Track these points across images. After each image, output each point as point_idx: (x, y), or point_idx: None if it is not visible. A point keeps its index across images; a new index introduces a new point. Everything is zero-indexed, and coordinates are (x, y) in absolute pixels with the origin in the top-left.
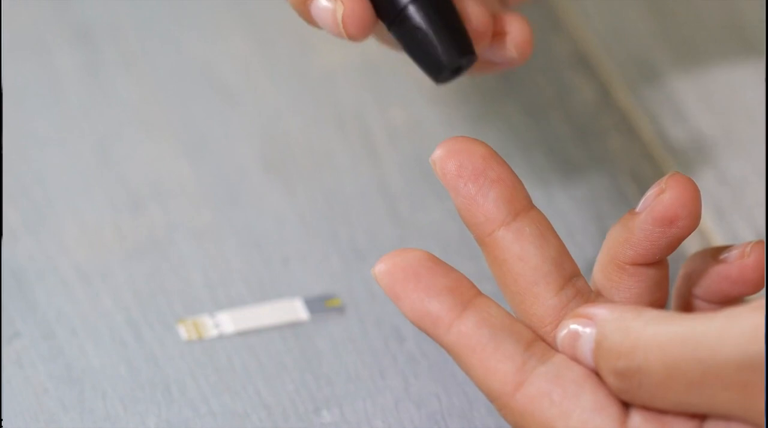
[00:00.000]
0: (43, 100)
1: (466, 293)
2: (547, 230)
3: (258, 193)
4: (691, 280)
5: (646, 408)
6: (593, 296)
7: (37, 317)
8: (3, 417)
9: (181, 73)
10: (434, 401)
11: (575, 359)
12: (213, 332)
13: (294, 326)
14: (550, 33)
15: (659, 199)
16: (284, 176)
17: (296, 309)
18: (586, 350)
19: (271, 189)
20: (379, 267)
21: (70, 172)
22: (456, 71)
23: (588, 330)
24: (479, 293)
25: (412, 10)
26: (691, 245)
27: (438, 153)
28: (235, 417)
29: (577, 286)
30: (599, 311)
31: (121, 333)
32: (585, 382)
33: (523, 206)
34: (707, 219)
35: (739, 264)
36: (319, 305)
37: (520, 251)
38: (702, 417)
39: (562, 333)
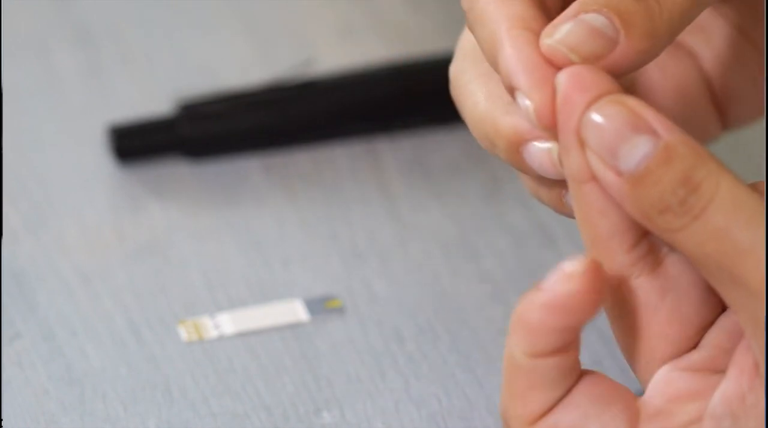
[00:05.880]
0: (43, 100)
1: None
2: None
3: (258, 193)
4: None
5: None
6: (665, 252)
7: (38, 318)
8: (3, 418)
9: (181, 73)
10: (434, 402)
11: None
12: (213, 333)
13: (294, 327)
14: None
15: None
16: (284, 176)
17: (296, 310)
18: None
19: (272, 189)
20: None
21: (70, 172)
22: None
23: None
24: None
25: None
26: None
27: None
28: (236, 418)
29: (651, 242)
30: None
31: (122, 334)
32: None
33: None
34: None
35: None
36: (319, 306)
37: (602, 206)
38: None
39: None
